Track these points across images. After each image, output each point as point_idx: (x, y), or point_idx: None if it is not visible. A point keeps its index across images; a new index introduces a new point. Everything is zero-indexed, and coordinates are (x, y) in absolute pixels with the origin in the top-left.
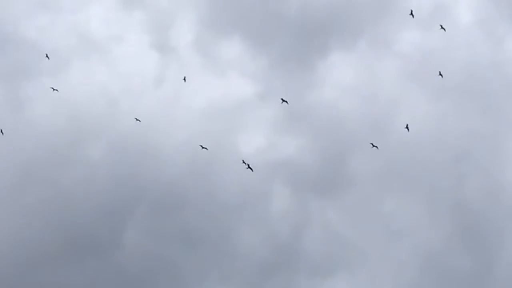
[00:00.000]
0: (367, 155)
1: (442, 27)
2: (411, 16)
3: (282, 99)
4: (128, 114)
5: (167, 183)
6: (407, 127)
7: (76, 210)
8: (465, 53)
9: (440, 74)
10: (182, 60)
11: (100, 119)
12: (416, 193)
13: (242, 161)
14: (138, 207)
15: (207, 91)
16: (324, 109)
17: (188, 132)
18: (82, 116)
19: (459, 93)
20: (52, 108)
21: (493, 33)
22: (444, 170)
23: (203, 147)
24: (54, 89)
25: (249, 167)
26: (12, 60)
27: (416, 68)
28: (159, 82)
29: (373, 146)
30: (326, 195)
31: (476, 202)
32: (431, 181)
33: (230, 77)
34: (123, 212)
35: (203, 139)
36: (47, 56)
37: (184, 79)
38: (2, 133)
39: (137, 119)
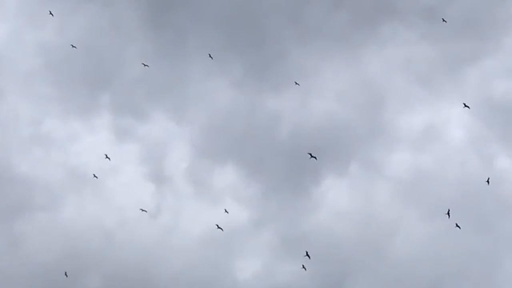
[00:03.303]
0: (365, 279)
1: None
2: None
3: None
4: (125, 246)
5: None
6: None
7: None
8: (457, 172)
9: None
10: (177, 189)
11: (96, 252)
12: None
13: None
14: None
15: (202, 219)
16: (320, 234)
17: (185, 260)
18: (78, 249)
19: (453, 213)
20: (48, 243)
21: (484, 152)
22: None
23: (218, 227)
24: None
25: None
26: (5, 196)
27: (409, 190)
28: (154, 212)
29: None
30: None
31: None
32: None
33: (225, 205)
34: None
35: (200, 267)
36: (95, 176)
37: None
38: None
39: (142, 210)
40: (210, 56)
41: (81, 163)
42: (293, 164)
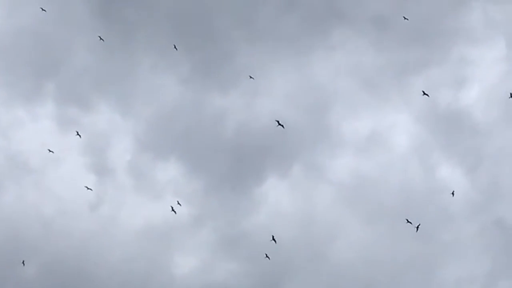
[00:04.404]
0: (302, 280)
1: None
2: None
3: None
4: (63, 236)
5: None
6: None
7: None
8: (399, 179)
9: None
10: (119, 182)
11: (34, 240)
12: None
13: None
14: None
15: (143, 213)
16: (259, 234)
17: (123, 253)
18: (16, 237)
19: (393, 219)
20: None
21: (427, 160)
22: None
23: (172, 209)
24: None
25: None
26: None
27: (350, 194)
28: (95, 203)
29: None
30: None
31: None
32: None
33: (166, 200)
34: None
35: (137, 260)
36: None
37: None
38: None
39: (88, 188)
40: (175, 47)
41: (22, 151)
42: (237, 163)
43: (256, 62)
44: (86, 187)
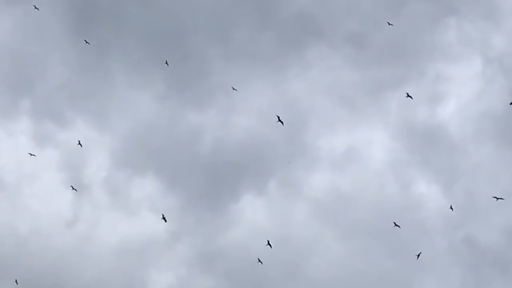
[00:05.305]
0: None
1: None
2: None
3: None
4: (38, 253)
5: None
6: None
7: None
8: (376, 194)
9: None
10: (95, 198)
11: (8, 258)
12: None
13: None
14: None
15: (119, 229)
16: (236, 251)
17: (99, 270)
18: None
19: (369, 234)
20: None
21: (403, 175)
22: None
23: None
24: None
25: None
26: None
27: (327, 210)
28: (71, 220)
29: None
30: None
31: None
32: None
33: (142, 215)
34: None
35: (114, 277)
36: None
37: None
38: None
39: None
40: (166, 63)
41: None
42: (213, 179)
43: (232, 79)
44: (72, 186)
